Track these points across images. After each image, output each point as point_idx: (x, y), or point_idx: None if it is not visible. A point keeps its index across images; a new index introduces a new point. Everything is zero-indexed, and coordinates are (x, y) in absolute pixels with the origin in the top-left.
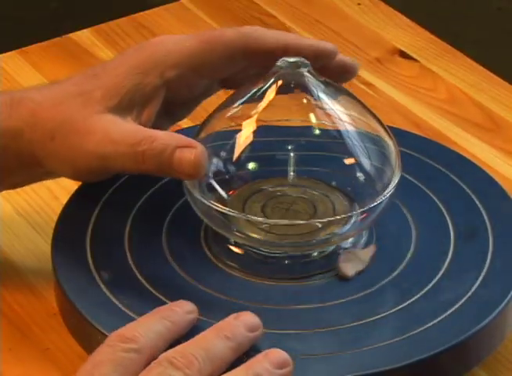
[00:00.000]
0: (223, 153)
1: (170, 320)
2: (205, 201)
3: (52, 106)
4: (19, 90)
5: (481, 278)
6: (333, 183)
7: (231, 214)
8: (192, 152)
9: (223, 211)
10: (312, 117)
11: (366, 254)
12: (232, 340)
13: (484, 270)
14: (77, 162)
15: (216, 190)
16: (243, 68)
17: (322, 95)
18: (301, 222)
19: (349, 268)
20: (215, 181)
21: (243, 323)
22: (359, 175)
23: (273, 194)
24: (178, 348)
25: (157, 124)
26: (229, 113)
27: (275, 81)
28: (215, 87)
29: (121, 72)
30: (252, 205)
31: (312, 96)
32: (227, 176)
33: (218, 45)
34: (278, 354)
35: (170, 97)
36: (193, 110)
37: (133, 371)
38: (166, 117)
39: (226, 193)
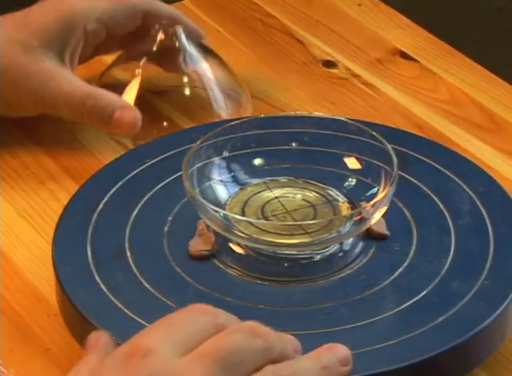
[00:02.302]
0: (224, 154)
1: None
2: (205, 203)
3: None
4: None
5: (481, 279)
6: (332, 184)
7: (231, 215)
8: (130, 115)
9: (223, 212)
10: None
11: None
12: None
13: (485, 271)
14: (23, 102)
15: (216, 192)
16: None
17: None
18: (302, 223)
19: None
20: (215, 182)
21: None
22: (357, 175)
23: (273, 196)
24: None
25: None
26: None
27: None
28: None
29: (48, 22)
30: (252, 206)
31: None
32: (227, 178)
33: (124, 6)
34: (343, 350)
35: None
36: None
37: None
38: None
39: (226, 194)
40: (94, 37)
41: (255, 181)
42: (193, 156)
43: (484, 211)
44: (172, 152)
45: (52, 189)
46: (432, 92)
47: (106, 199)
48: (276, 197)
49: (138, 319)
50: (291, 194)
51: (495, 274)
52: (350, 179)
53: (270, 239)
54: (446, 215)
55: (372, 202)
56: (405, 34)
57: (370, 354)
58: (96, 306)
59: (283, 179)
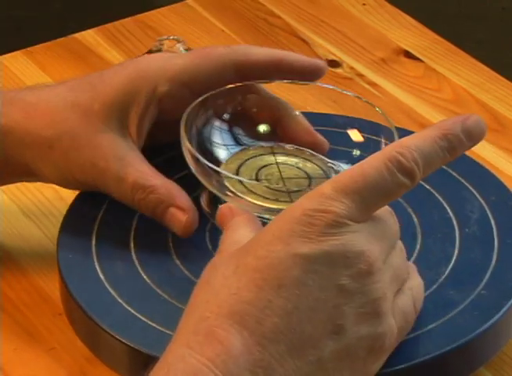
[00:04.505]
0: (224, 116)
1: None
2: (198, 156)
3: (48, 112)
4: (11, 91)
5: (486, 278)
6: (330, 158)
7: (220, 170)
8: (183, 216)
9: (210, 165)
10: None
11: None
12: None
13: (489, 271)
14: (74, 175)
15: (215, 152)
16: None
17: None
18: (288, 189)
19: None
20: (214, 144)
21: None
22: (356, 151)
23: (274, 161)
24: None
25: (152, 140)
26: None
27: None
28: None
29: (115, 83)
30: (248, 167)
31: None
32: (226, 139)
33: (209, 59)
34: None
35: (163, 114)
36: None
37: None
38: (159, 134)
39: (226, 155)
40: (171, 101)
41: (251, 146)
42: (192, 115)
43: (488, 212)
44: (177, 149)
45: (56, 188)
46: (436, 92)
47: (111, 198)
48: (277, 163)
49: (144, 319)
50: (293, 163)
51: (493, 285)
52: (354, 152)
53: (254, 200)
54: (450, 214)
55: None
56: (409, 33)
57: None
58: (101, 306)
59: (289, 147)
